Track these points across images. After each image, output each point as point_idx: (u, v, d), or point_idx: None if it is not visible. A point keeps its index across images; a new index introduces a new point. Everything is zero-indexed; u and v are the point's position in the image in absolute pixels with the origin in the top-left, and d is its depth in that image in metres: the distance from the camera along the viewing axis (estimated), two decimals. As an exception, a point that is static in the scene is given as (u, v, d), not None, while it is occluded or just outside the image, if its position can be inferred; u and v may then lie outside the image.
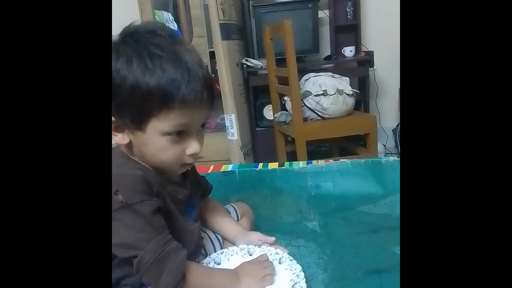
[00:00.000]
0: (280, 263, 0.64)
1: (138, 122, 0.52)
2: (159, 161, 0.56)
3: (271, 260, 0.64)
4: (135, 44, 0.51)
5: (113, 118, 0.53)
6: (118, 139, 0.55)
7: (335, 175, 1.04)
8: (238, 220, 0.78)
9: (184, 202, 0.62)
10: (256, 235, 0.69)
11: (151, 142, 0.54)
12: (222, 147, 2.01)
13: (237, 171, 1.09)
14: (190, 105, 0.51)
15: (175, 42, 0.53)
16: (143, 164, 0.57)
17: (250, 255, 0.66)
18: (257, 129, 2.09)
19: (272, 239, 0.69)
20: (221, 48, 1.82)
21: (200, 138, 0.57)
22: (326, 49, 2.27)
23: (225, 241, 0.72)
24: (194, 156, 0.56)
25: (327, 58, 2.17)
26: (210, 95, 0.54)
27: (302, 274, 0.60)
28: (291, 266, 0.62)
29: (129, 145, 0.57)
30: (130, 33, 0.53)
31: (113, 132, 0.55)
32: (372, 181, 1.01)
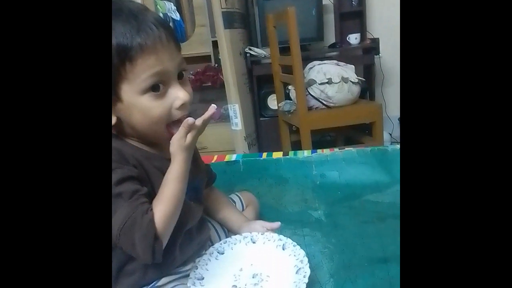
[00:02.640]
0: (283, 249, 0.63)
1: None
2: (150, 127, 0.53)
3: (275, 247, 0.63)
4: None
5: None
6: None
7: (341, 164, 1.03)
8: (243, 210, 0.77)
9: None
10: (260, 223, 0.69)
11: (134, 108, 0.51)
12: (226, 137, 2.00)
13: (241, 161, 1.08)
14: (152, 51, 0.49)
15: (114, 2, 0.51)
16: (127, 141, 0.55)
17: (254, 242, 0.65)
18: (261, 119, 2.08)
19: (277, 224, 0.68)
20: (224, 37, 1.80)
21: (186, 87, 0.53)
22: (330, 37, 2.23)
23: (229, 230, 0.72)
24: (184, 107, 0.53)
25: (332, 46, 2.14)
26: (170, 35, 0.51)
27: (306, 259, 0.59)
28: (294, 252, 0.62)
29: (119, 126, 0.54)
30: None
31: None
32: (378, 170, 1.00)
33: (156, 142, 0.57)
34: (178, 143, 0.51)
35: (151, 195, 0.52)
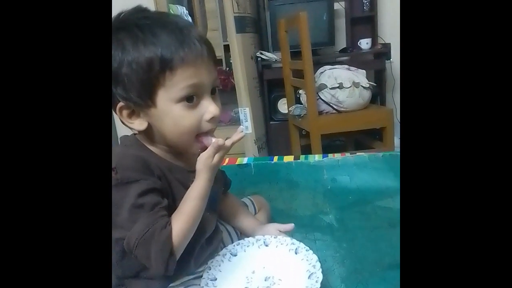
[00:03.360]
0: (296, 253, 0.63)
1: (147, 96, 0.52)
2: (179, 136, 0.54)
3: (288, 251, 0.64)
4: (123, 26, 0.52)
5: (122, 104, 0.53)
6: (137, 125, 0.55)
7: (352, 169, 1.03)
8: (255, 213, 0.78)
9: None
10: (274, 226, 0.69)
11: (166, 115, 0.53)
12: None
13: (252, 164, 1.09)
14: (192, 64, 0.51)
15: (162, 13, 0.55)
16: (151, 148, 0.57)
17: (266, 245, 0.66)
18: (271, 122, 2.08)
19: (291, 225, 0.68)
20: (236, 41, 1.81)
21: (217, 102, 0.55)
22: (341, 42, 2.23)
23: (243, 235, 0.72)
24: (214, 121, 0.54)
25: (343, 51, 2.14)
26: (210, 52, 0.54)
27: (319, 264, 0.59)
28: (307, 257, 0.62)
29: (149, 132, 0.56)
30: (117, 20, 0.54)
31: (129, 120, 0.55)
32: (389, 175, 1.00)
33: (183, 152, 0.58)
34: (205, 162, 0.53)
35: (171, 207, 0.53)
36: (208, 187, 0.54)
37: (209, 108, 0.53)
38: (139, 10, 0.54)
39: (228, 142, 0.54)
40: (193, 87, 0.52)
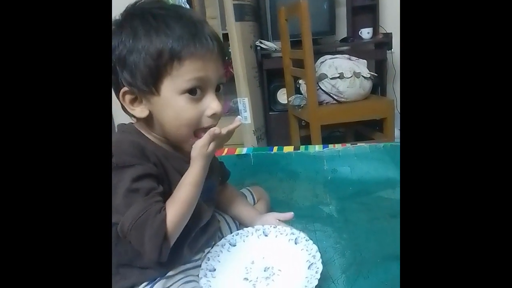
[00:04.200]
0: (296, 243, 0.63)
1: (152, 83, 0.52)
2: (178, 128, 0.54)
3: (287, 241, 0.63)
4: (138, 13, 0.53)
5: (127, 89, 0.53)
6: (138, 112, 0.55)
7: (353, 160, 1.02)
8: (254, 204, 0.77)
9: None
10: (273, 215, 0.69)
11: (169, 105, 0.52)
12: (235, 131, 1.99)
13: (251, 154, 1.07)
14: (201, 58, 0.51)
15: (178, 6, 0.56)
16: (148, 137, 0.57)
17: (266, 235, 0.65)
18: (270, 113, 2.07)
19: (290, 214, 0.68)
20: (235, 29, 1.79)
21: (220, 100, 0.55)
22: (342, 31, 2.20)
23: (242, 225, 0.71)
24: (215, 117, 0.55)
25: (344, 40, 2.11)
26: (220, 49, 0.54)
27: (319, 254, 0.59)
28: (307, 247, 0.61)
29: (148, 120, 0.56)
30: (132, 7, 0.54)
31: (131, 106, 0.55)
32: (390, 166, 0.98)
33: (179, 144, 0.58)
34: (200, 150, 0.53)
35: (167, 194, 0.52)
36: (202, 174, 0.53)
37: (211, 104, 0.54)
38: (156, 1, 0.55)
39: (224, 131, 0.53)
40: (199, 80, 0.52)
